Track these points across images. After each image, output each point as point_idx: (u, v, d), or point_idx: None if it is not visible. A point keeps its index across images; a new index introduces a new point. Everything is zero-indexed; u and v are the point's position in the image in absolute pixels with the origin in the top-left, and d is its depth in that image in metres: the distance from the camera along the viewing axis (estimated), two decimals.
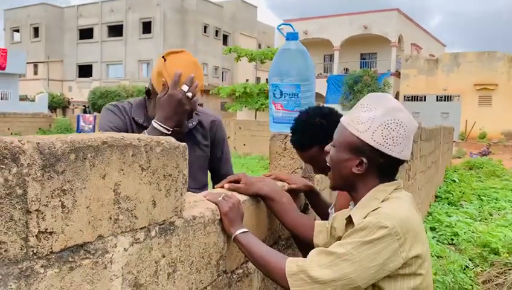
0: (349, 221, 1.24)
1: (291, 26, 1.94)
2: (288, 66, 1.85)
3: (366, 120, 1.18)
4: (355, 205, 1.26)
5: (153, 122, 1.58)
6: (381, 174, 1.23)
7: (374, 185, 1.22)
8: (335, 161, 1.26)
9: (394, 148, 1.17)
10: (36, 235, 0.74)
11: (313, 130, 1.55)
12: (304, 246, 1.53)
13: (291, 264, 1.16)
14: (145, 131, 1.58)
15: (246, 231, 1.30)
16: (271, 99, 1.92)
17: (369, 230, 1.09)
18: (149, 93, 1.72)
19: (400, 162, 1.22)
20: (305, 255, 1.22)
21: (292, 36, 1.85)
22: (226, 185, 1.50)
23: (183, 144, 1.12)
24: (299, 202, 1.88)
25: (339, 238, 1.37)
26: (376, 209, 1.16)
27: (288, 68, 1.84)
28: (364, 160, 1.20)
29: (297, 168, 1.98)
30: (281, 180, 1.75)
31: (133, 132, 1.66)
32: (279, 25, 2.05)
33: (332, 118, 1.54)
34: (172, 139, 1.09)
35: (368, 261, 1.08)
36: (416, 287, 1.14)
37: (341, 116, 1.51)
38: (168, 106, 1.55)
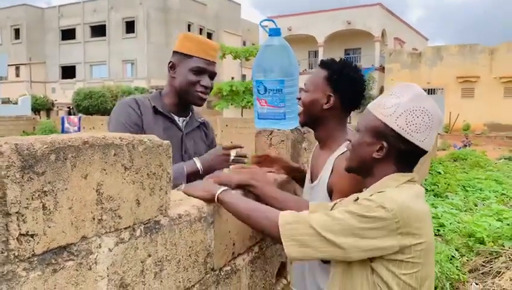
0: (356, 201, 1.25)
1: (274, 22, 1.94)
2: (272, 62, 1.85)
3: (392, 105, 1.20)
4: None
5: (195, 158, 1.73)
6: (399, 163, 1.23)
7: (390, 173, 1.23)
8: (357, 143, 1.27)
9: (416, 135, 1.18)
10: (17, 238, 0.73)
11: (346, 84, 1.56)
12: None
13: (286, 213, 1.19)
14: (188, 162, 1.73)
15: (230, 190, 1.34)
16: (255, 95, 1.91)
17: (369, 207, 1.11)
18: (173, 66, 1.82)
19: (421, 152, 1.22)
20: None
21: (275, 32, 1.85)
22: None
23: (167, 142, 1.11)
24: (292, 186, 1.91)
25: None
26: (382, 191, 1.17)
27: (272, 64, 1.84)
28: (385, 144, 1.21)
29: None
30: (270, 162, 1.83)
31: (153, 120, 1.77)
32: (262, 21, 2.04)
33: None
34: (155, 138, 1.08)
35: (358, 232, 1.10)
36: (412, 275, 1.14)
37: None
38: (214, 160, 1.74)
